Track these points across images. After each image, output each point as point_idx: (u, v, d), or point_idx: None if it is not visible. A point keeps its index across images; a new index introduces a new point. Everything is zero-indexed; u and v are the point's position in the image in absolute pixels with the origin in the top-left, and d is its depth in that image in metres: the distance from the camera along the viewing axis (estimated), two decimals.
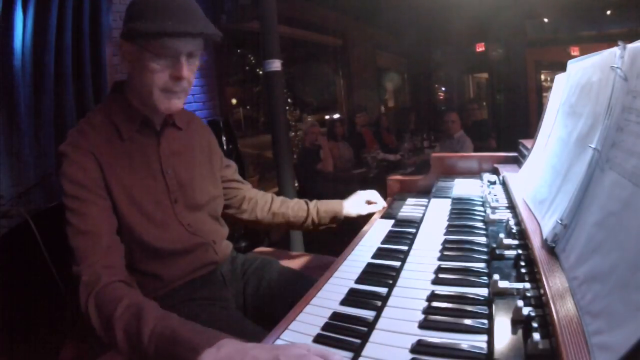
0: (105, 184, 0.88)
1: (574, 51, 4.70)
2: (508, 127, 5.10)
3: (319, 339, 0.62)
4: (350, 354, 0.57)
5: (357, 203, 1.28)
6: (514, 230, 0.83)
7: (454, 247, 0.86)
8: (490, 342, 0.54)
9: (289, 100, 4.99)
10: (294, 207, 1.24)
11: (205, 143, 1.11)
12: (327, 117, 5.64)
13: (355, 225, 1.20)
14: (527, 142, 1.25)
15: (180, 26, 0.84)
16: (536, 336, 0.49)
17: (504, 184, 1.18)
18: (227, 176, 1.18)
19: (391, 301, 0.69)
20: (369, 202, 1.29)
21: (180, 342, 0.62)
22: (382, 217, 1.20)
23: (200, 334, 0.63)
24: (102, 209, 0.87)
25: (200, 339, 0.61)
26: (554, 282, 0.55)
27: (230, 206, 1.20)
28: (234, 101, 4.84)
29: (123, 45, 0.89)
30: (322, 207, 1.25)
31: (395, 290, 0.73)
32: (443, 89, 7.36)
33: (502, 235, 0.80)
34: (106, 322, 0.72)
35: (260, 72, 4.81)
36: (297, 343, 0.60)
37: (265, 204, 1.23)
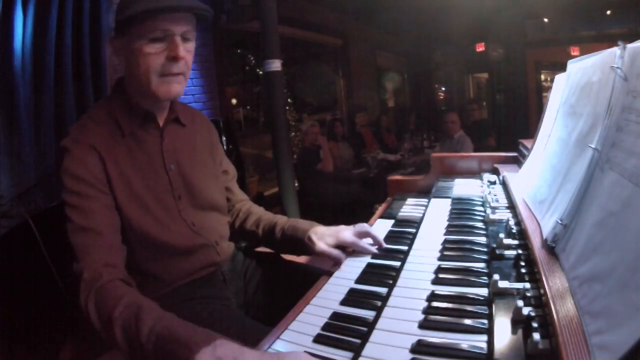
0: (107, 179, 0.87)
1: (574, 51, 4.70)
2: (508, 127, 5.11)
3: (319, 339, 0.63)
4: (350, 354, 0.58)
5: (325, 237, 0.98)
6: (514, 230, 0.83)
7: (454, 247, 0.86)
8: (490, 342, 0.54)
9: (289, 100, 4.99)
10: (265, 228, 1.10)
11: (207, 141, 1.09)
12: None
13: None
14: (527, 142, 1.25)
15: (165, 1, 0.83)
16: (536, 336, 0.49)
17: (504, 184, 1.18)
18: (223, 182, 1.13)
19: (391, 301, 0.70)
20: (338, 244, 0.97)
21: (177, 341, 0.62)
22: (382, 217, 1.20)
23: (197, 333, 0.63)
24: (103, 205, 0.85)
25: (197, 338, 0.61)
26: (554, 282, 0.55)
27: None
28: (234, 101, 4.84)
29: (114, 44, 0.91)
30: (290, 231, 1.04)
31: (395, 290, 0.73)
32: (443, 89, 7.35)
33: (502, 235, 0.80)
34: (105, 321, 0.71)
35: (260, 72, 4.81)
36: (296, 351, 0.59)
37: (246, 219, 1.15)
